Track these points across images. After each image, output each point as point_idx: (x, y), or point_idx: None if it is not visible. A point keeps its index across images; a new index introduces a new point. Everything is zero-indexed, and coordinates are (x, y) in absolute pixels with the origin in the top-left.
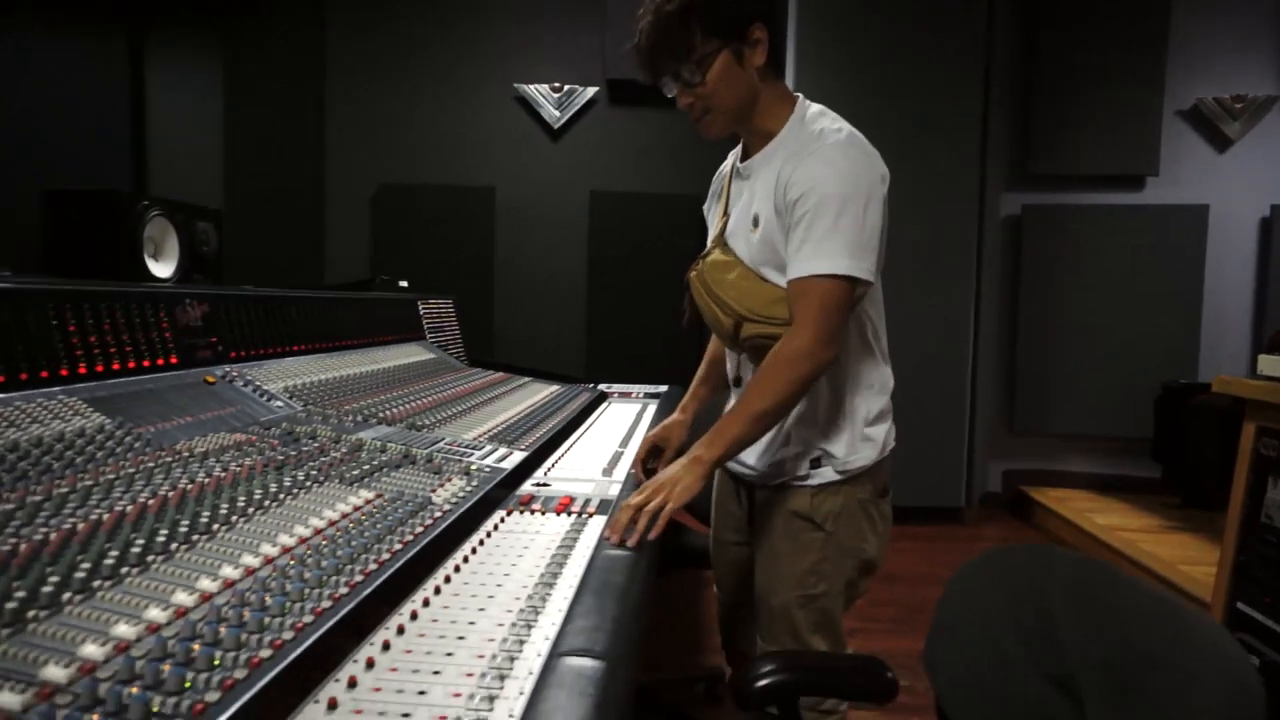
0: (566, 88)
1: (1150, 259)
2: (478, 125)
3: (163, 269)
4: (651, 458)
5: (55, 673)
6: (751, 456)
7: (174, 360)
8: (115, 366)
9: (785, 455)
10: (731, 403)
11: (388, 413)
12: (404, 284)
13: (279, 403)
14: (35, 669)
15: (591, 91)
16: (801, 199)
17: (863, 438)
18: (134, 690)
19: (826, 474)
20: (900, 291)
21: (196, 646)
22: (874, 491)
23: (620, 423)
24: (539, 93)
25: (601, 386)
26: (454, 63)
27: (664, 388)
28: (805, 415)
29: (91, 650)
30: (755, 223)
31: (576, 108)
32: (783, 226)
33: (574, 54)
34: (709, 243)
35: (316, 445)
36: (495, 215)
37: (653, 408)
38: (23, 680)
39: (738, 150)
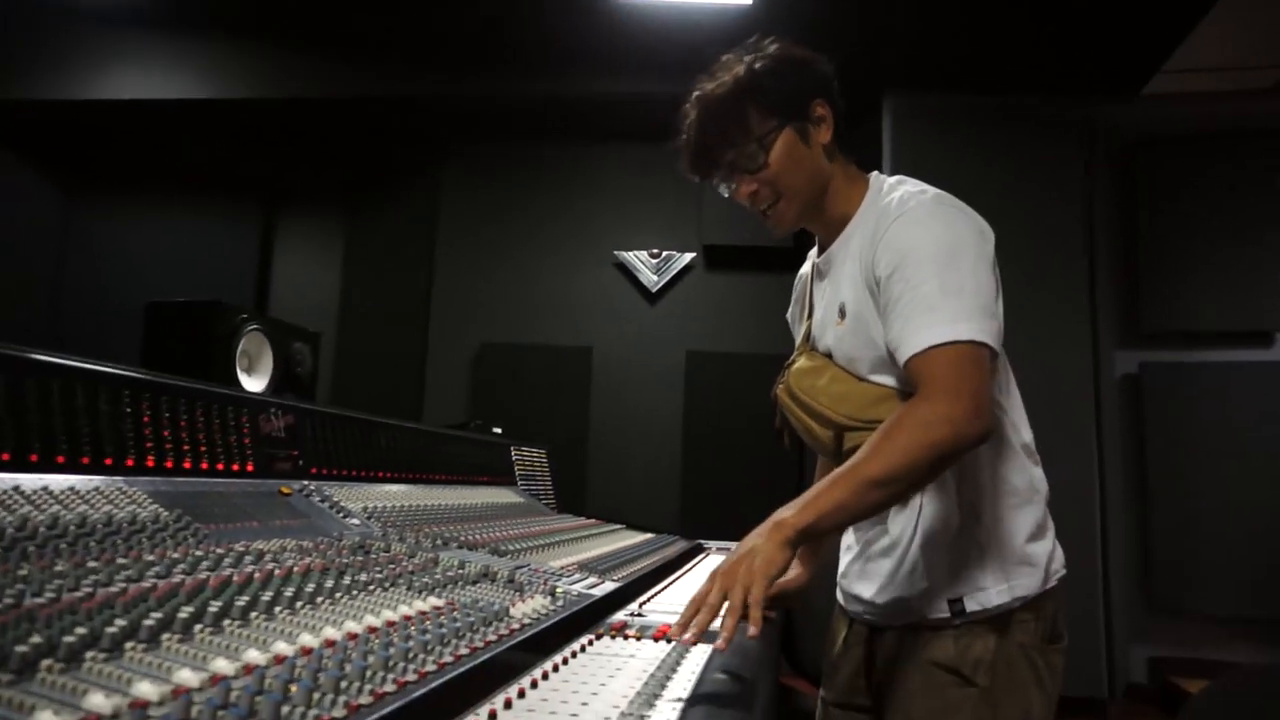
0: (664, 253)
1: None
2: (578, 289)
3: (254, 384)
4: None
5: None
6: (869, 589)
7: (250, 467)
8: (187, 465)
9: (913, 593)
10: (850, 539)
11: (470, 538)
12: (498, 430)
13: (355, 520)
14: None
15: (688, 257)
16: (898, 269)
17: (1019, 560)
18: None
19: (975, 610)
20: None
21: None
22: (1040, 634)
23: None
24: (637, 259)
25: (698, 541)
26: (557, 231)
27: None
28: (937, 539)
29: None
30: (842, 313)
31: (673, 272)
32: (878, 309)
33: (671, 221)
34: (796, 351)
35: (387, 556)
36: (592, 374)
37: None
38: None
39: (813, 251)
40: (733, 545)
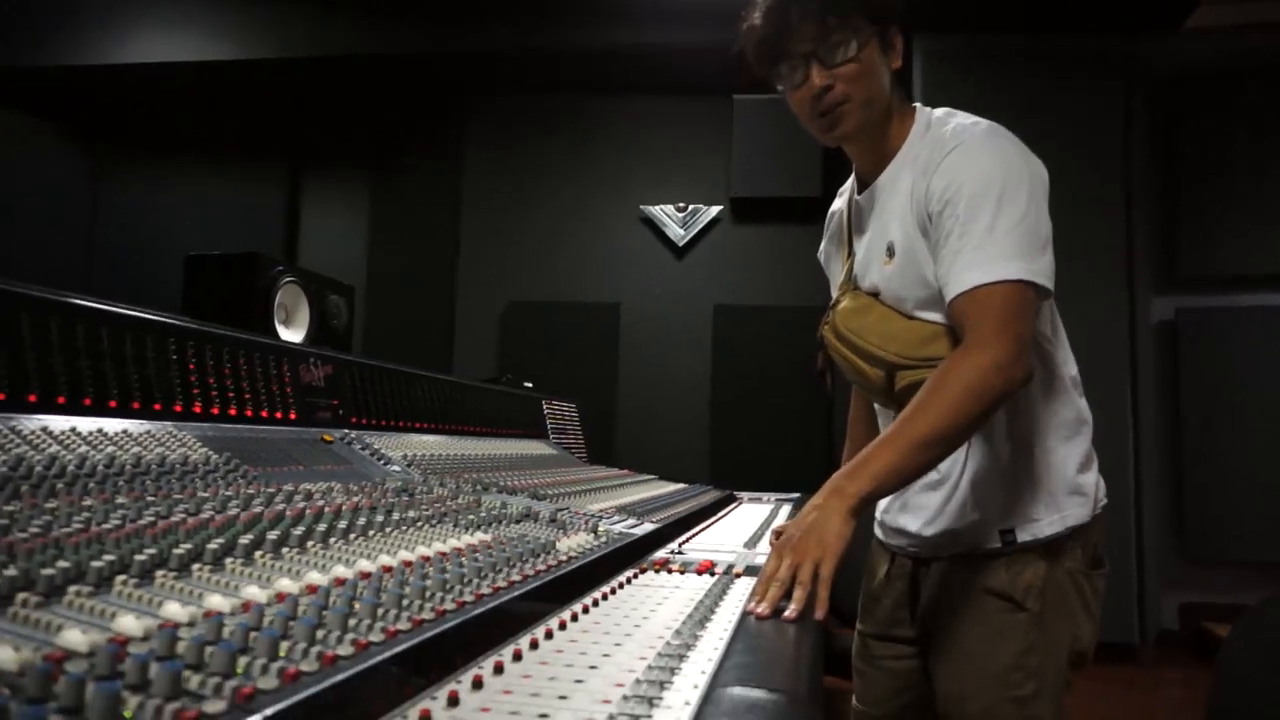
0: (691, 207)
1: None
2: (605, 245)
3: (292, 335)
4: None
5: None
6: (915, 522)
7: (293, 416)
8: (232, 411)
9: (964, 525)
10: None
11: (509, 484)
12: (529, 385)
13: (396, 467)
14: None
15: (715, 210)
16: (949, 205)
17: (1070, 490)
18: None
19: (1027, 540)
20: None
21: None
22: (1085, 560)
23: (755, 518)
24: (664, 213)
25: (730, 491)
26: (583, 186)
27: (796, 494)
28: (988, 472)
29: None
30: (890, 252)
31: (700, 226)
32: (930, 246)
33: (698, 175)
34: (835, 290)
35: (431, 497)
36: (620, 330)
37: (787, 508)
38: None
39: (848, 186)
40: (763, 496)
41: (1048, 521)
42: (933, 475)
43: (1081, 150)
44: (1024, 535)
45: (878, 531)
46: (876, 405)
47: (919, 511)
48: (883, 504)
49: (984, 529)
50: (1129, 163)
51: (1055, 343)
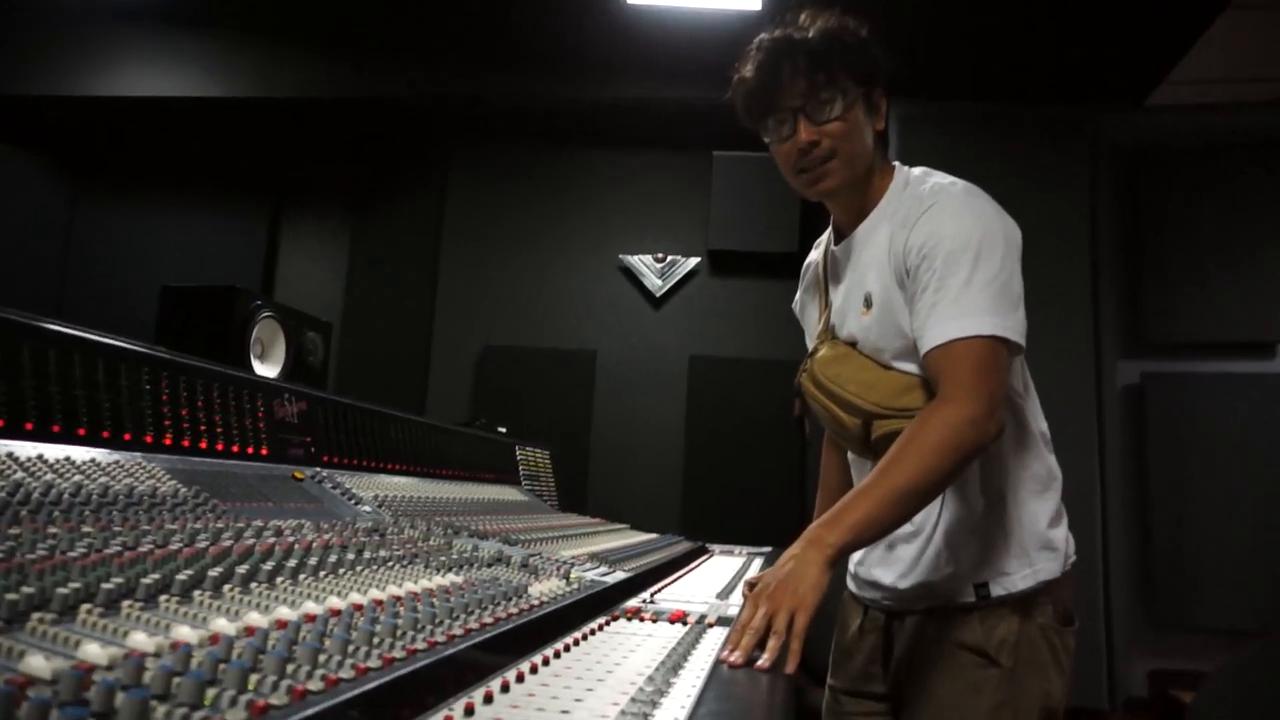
0: (669, 258)
1: None
2: (582, 293)
3: (267, 370)
4: None
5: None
6: (889, 575)
7: (264, 451)
8: (203, 445)
9: (938, 578)
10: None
11: (480, 528)
12: (502, 430)
13: (367, 507)
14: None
15: (693, 262)
16: (927, 259)
17: (1041, 545)
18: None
19: (1000, 594)
20: None
21: (264, 658)
22: (1057, 617)
23: (727, 569)
24: (642, 263)
25: (702, 542)
26: (562, 234)
27: (768, 548)
28: (961, 525)
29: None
30: (868, 302)
31: (678, 277)
32: (906, 299)
33: (677, 227)
34: (813, 340)
35: (403, 538)
36: (596, 378)
37: (759, 562)
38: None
39: (824, 238)
40: (735, 549)
41: (1020, 575)
42: (907, 528)
43: (1049, 215)
44: (997, 589)
45: (850, 585)
46: (851, 455)
47: (893, 565)
48: (856, 557)
49: (958, 582)
50: (1095, 229)
51: (1026, 398)
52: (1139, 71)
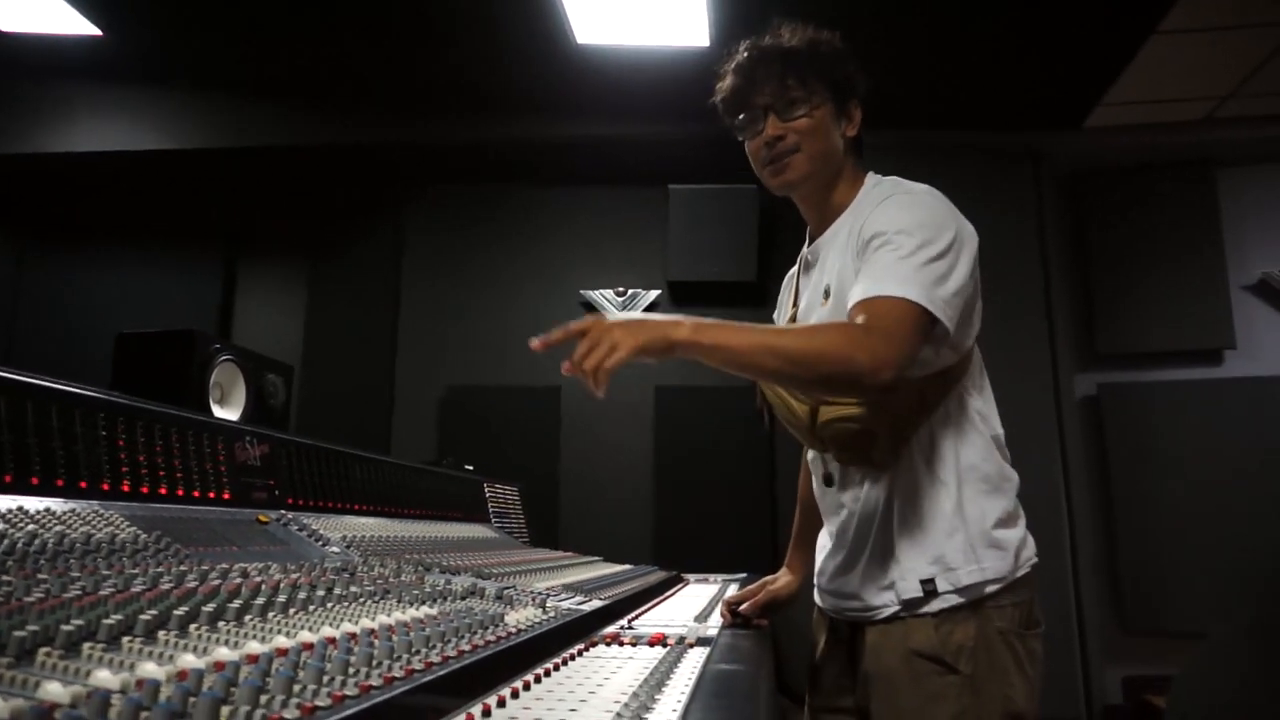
0: (630, 291)
1: (1243, 433)
2: (544, 329)
3: (228, 415)
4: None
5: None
6: (843, 578)
7: (226, 495)
8: (163, 490)
9: (886, 573)
10: (825, 539)
11: (452, 565)
12: (470, 467)
13: (335, 549)
14: None
15: (654, 294)
16: (877, 235)
17: (988, 543)
18: None
19: (950, 596)
20: None
21: (236, 690)
22: (1017, 620)
23: (704, 595)
24: (603, 297)
25: (676, 572)
26: (522, 272)
27: (742, 574)
28: (900, 513)
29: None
30: (826, 294)
31: (639, 309)
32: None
33: (636, 259)
34: None
35: (373, 575)
36: (561, 414)
37: (734, 588)
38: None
39: (805, 251)
40: (710, 577)
41: (965, 571)
42: (855, 524)
43: (999, 237)
44: (943, 584)
45: (817, 598)
46: (815, 482)
47: (849, 567)
48: (819, 568)
49: (906, 576)
50: (1044, 247)
51: (977, 397)
52: (1076, 95)
